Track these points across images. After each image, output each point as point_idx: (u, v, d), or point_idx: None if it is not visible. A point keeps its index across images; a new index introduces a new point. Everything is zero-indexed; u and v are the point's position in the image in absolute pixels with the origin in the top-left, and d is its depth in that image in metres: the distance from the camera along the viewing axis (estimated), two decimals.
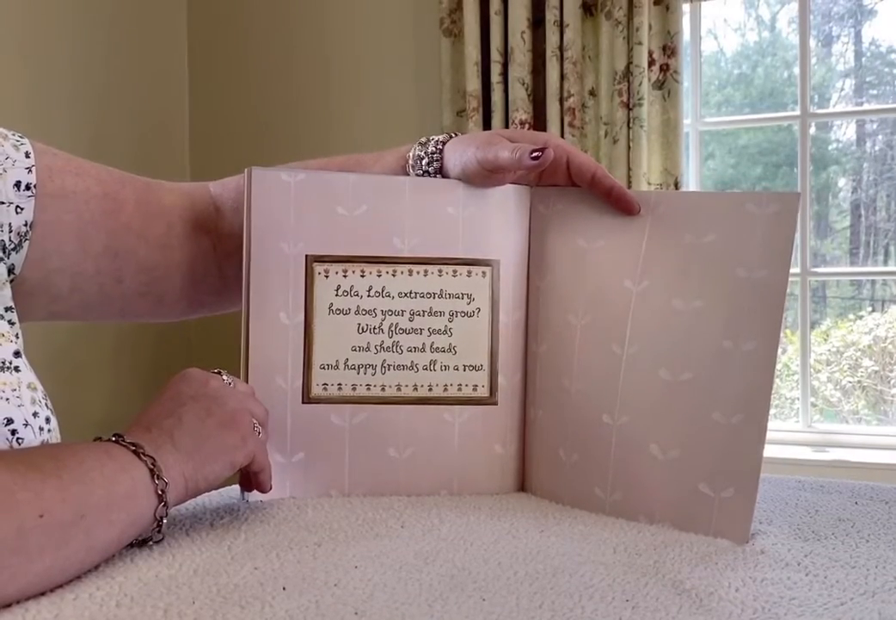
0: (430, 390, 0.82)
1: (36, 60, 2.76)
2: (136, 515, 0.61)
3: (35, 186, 0.77)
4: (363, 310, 0.81)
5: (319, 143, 3.19)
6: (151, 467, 0.62)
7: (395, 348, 0.81)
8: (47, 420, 0.72)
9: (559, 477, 0.80)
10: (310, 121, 3.21)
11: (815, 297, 3.31)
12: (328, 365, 0.80)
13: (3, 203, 0.75)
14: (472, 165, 0.81)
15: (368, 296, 0.81)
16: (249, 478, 0.74)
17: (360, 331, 0.81)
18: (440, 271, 0.82)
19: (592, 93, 2.71)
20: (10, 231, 0.76)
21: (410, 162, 0.86)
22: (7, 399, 0.68)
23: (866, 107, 3.34)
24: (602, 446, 0.77)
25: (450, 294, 0.82)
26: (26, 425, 0.68)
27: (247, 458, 0.70)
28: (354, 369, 0.81)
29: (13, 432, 0.67)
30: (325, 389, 0.80)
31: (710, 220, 0.75)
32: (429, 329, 0.82)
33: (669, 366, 0.74)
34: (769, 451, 3.16)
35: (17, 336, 0.75)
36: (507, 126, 2.77)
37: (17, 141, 0.78)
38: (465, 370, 0.82)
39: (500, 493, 0.83)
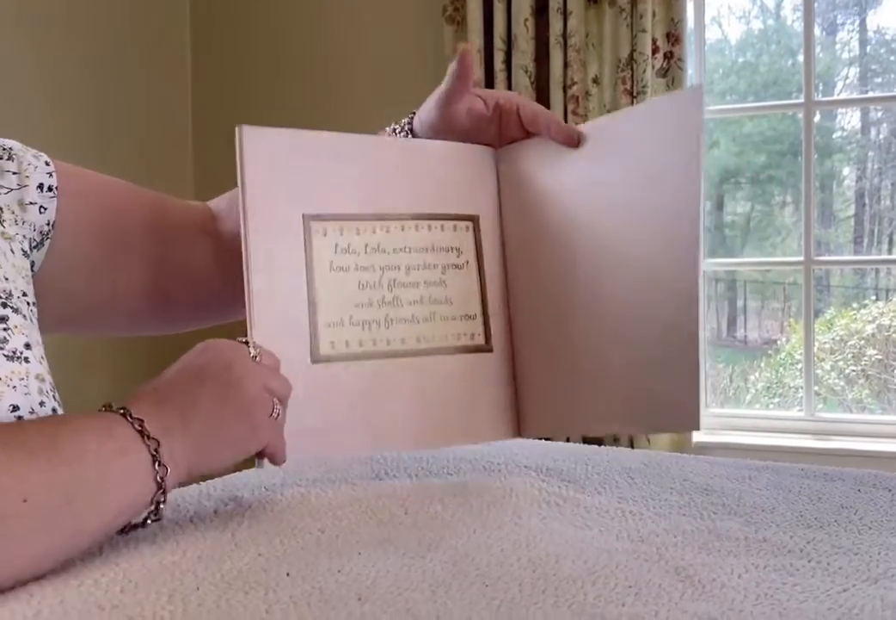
0: (432, 341, 0.83)
1: (41, 71, 2.76)
2: (133, 499, 0.61)
3: (56, 188, 0.83)
4: (362, 267, 0.81)
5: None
6: (154, 453, 0.61)
7: (395, 302, 0.82)
8: (53, 411, 0.72)
9: (553, 412, 0.84)
10: (312, 110, 3.20)
11: (819, 286, 3.31)
12: (334, 323, 0.80)
13: (29, 203, 0.80)
14: (432, 115, 0.89)
15: (366, 253, 0.81)
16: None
17: (361, 287, 0.81)
18: (429, 226, 0.84)
19: (596, 81, 2.70)
20: (34, 230, 0.81)
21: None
22: (14, 387, 0.68)
23: (871, 95, 3.33)
24: (584, 370, 0.82)
25: (440, 248, 0.84)
26: (32, 412, 0.68)
27: (259, 447, 0.69)
28: (359, 325, 0.80)
29: (19, 418, 0.67)
30: (332, 347, 0.79)
31: (633, 134, 0.83)
32: (424, 282, 0.83)
33: (615, 277, 0.80)
34: (773, 439, 3.14)
35: (29, 337, 0.75)
36: None
37: (36, 153, 0.84)
38: (461, 320, 0.84)
39: (502, 438, 0.86)
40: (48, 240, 0.82)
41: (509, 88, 2.77)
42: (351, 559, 0.60)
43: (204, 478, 0.69)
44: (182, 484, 0.67)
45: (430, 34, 2.98)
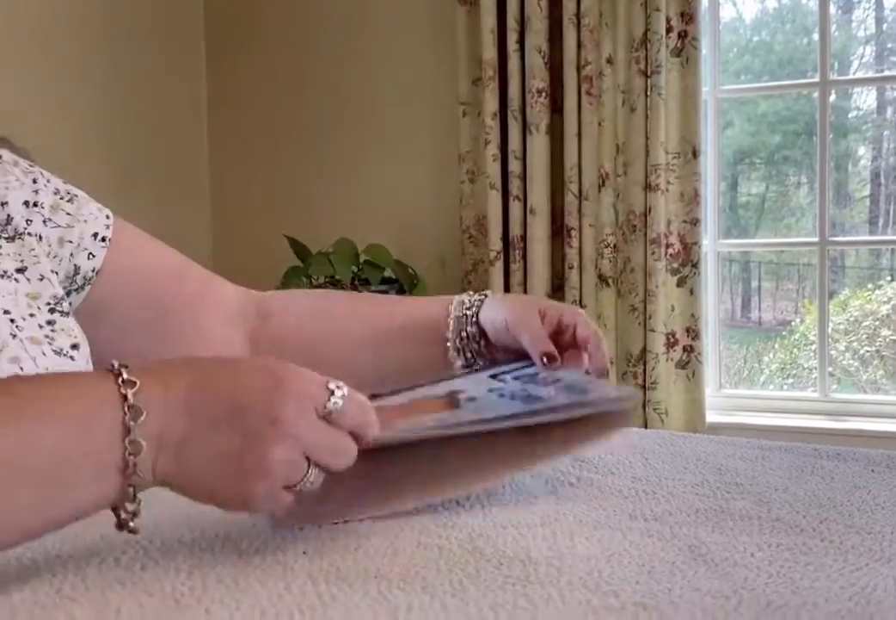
0: None
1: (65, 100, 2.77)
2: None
3: (110, 240, 0.86)
4: None
5: (335, 115, 3.18)
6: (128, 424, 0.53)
7: None
8: None
9: None
10: (325, 94, 3.19)
11: (834, 266, 3.29)
12: None
13: (78, 246, 0.84)
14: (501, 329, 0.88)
15: None
16: None
17: None
18: None
19: (609, 60, 2.69)
20: (78, 273, 0.84)
21: (454, 314, 0.91)
22: None
23: (887, 74, 3.30)
24: None
25: None
26: None
27: (241, 512, 0.58)
28: None
29: None
30: None
31: None
32: None
33: None
34: (787, 420, 3.13)
35: (77, 339, 0.77)
36: (523, 95, 2.75)
37: (101, 207, 0.88)
38: None
39: None
40: (89, 285, 0.85)
41: (523, 68, 2.75)
42: (368, 537, 0.61)
43: None
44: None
45: (443, 15, 2.97)
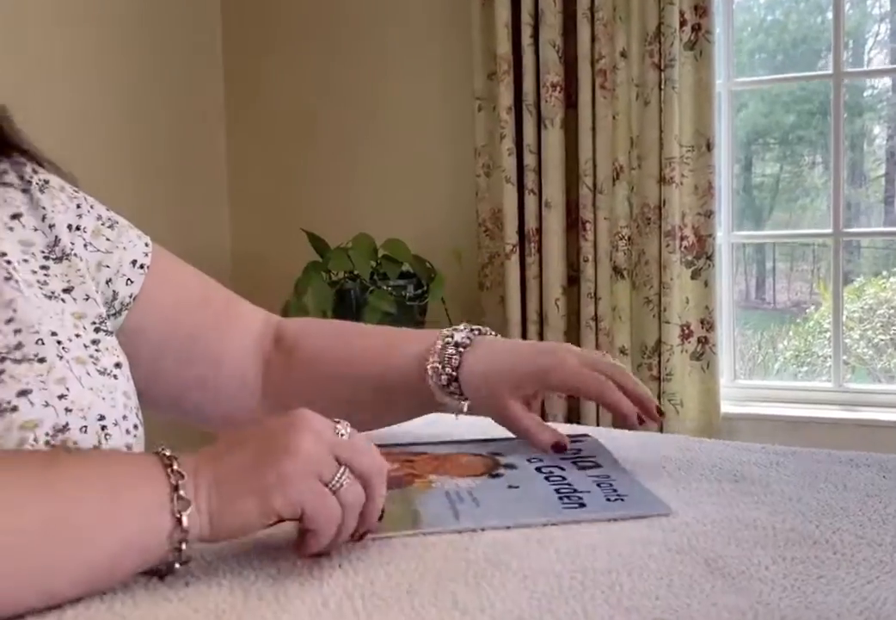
0: None
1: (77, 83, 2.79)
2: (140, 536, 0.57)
3: (148, 267, 0.89)
4: None
5: (351, 110, 3.19)
6: (175, 484, 0.58)
7: None
8: (135, 427, 0.78)
9: None
10: (341, 89, 3.21)
11: (850, 247, 3.25)
12: None
13: (117, 272, 0.86)
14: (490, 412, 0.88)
15: None
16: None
17: None
18: None
19: (623, 54, 2.70)
20: (115, 299, 0.86)
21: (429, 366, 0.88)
22: (103, 398, 0.75)
23: None
24: None
25: None
26: (116, 424, 0.74)
27: (287, 506, 0.58)
28: None
29: (103, 427, 0.73)
30: None
31: None
32: None
33: None
34: (801, 410, 3.13)
35: (119, 358, 0.81)
36: (538, 89, 2.76)
37: (140, 234, 0.92)
38: None
39: None
40: (126, 311, 0.87)
41: (537, 62, 2.77)
42: (397, 551, 0.64)
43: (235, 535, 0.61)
44: (210, 541, 0.60)
45: (457, 9, 2.98)
